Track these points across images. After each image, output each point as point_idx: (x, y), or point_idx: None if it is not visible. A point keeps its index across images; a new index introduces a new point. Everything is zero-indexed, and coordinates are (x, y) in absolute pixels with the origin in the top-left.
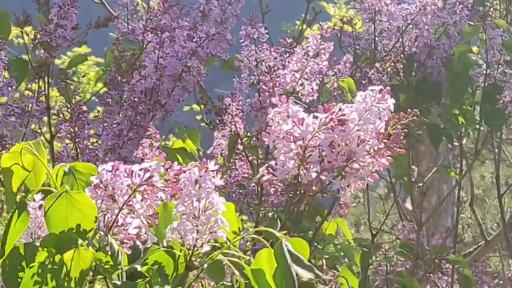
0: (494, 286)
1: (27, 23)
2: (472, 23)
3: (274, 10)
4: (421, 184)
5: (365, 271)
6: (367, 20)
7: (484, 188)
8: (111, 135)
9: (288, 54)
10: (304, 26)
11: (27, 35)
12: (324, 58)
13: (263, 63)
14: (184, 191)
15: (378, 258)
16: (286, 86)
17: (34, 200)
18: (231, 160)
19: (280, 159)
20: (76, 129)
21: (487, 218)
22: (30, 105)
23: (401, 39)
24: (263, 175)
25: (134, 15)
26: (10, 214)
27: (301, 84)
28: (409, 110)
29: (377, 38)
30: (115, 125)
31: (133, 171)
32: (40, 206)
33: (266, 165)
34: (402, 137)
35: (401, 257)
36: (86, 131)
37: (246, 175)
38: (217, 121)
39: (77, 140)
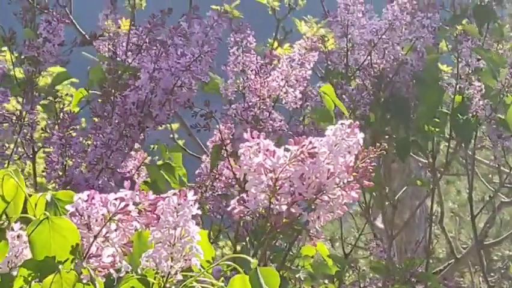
0: None
1: (12, 40)
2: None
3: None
4: (393, 200)
5: None
6: (339, 35)
7: (459, 203)
8: (100, 143)
9: (271, 67)
10: (276, 45)
11: (12, 52)
12: (308, 67)
13: (249, 69)
14: (161, 218)
15: (353, 275)
16: (271, 90)
17: (13, 229)
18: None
19: (251, 191)
20: (67, 134)
21: (461, 233)
22: (24, 113)
23: (370, 55)
24: (234, 207)
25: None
26: None
27: (285, 92)
28: (378, 144)
29: (348, 53)
30: (104, 135)
31: (108, 200)
32: (19, 236)
33: (238, 197)
34: (371, 171)
35: (375, 274)
36: (76, 138)
37: (229, 183)
38: (203, 125)
39: (68, 147)
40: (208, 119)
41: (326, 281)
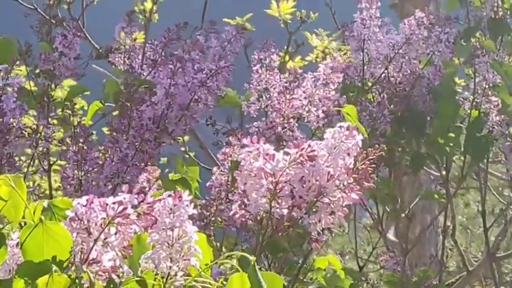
0: None
1: (28, 54)
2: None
3: (257, 42)
4: (406, 212)
5: None
6: (355, 49)
7: (468, 216)
8: (116, 158)
9: (295, 84)
10: (287, 58)
11: (28, 65)
12: (332, 88)
13: (273, 87)
14: (158, 220)
15: None
16: (295, 110)
17: (12, 239)
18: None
19: (252, 195)
20: (83, 149)
21: (471, 247)
22: (40, 128)
23: (387, 69)
24: (236, 212)
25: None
26: None
27: (307, 111)
28: (376, 146)
29: (365, 67)
30: (120, 150)
31: (107, 204)
32: (17, 244)
33: (238, 202)
34: (371, 172)
35: (388, 287)
36: (92, 153)
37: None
38: (225, 142)
39: (84, 162)
40: (229, 136)
41: None
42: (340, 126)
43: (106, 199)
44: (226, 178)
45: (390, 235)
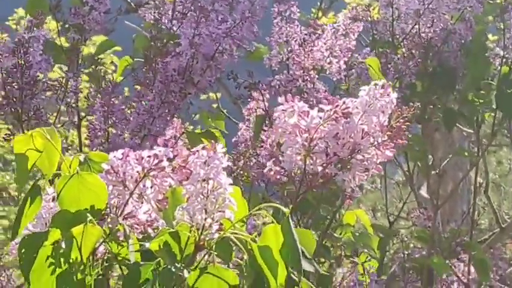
0: (509, 272)
1: (58, 8)
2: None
3: None
4: (438, 170)
5: (382, 258)
6: (384, 4)
7: (500, 173)
8: (142, 110)
9: (315, 36)
10: (320, 14)
11: (58, 20)
12: (353, 38)
13: (293, 40)
14: (193, 172)
15: (395, 245)
16: (316, 62)
17: (47, 193)
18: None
19: (287, 152)
20: (110, 103)
21: (503, 204)
22: (65, 80)
23: (418, 24)
24: (270, 168)
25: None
26: (23, 198)
27: (329, 63)
28: (411, 104)
29: (394, 22)
30: (147, 102)
31: (142, 157)
32: (53, 198)
33: (273, 159)
34: (405, 130)
35: (418, 243)
36: (119, 104)
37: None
38: (247, 96)
39: (111, 114)
40: (251, 90)
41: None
42: (375, 84)
43: (142, 152)
44: (252, 133)
45: (423, 192)
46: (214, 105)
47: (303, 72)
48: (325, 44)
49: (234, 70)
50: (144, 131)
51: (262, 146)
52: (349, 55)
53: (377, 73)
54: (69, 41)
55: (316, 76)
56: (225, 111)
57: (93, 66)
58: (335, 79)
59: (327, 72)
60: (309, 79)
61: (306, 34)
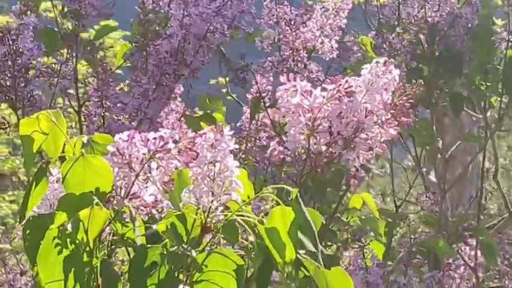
0: None
1: None
2: None
3: None
4: (444, 154)
5: (389, 242)
6: None
7: (510, 159)
8: (137, 94)
9: (306, 17)
10: None
11: (56, 7)
12: (343, 16)
13: (283, 20)
14: (200, 154)
15: (402, 229)
16: (307, 42)
17: (51, 174)
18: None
19: (290, 132)
20: (104, 87)
21: None
22: (59, 66)
23: (424, 8)
24: (274, 149)
25: None
26: (29, 180)
27: (321, 42)
28: (414, 81)
29: (400, 6)
30: (141, 86)
31: (148, 139)
32: (58, 180)
33: (277, 139)
34: (408, 107)
35: (425, 227)
36: (113, 89)
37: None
38: (240, 79)
39: (105, 99)
40: (244, 72)
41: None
42: (376, 62)
43: (147, 134)
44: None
45: (432, 176)
46: (224, 90)
47: (292, 52)
48: (315, 24)
49: (238, 52)
50: (140, 114)
51: (261, 129)
52: (340, 34)
53: (370, 52)
54: (66, 27)
55: (308, 56)
56: (234, 95)
57: (90, 51)
58: (327, 59)
59: (320, 52)
60: (299, 59)
61: (297, 15)
